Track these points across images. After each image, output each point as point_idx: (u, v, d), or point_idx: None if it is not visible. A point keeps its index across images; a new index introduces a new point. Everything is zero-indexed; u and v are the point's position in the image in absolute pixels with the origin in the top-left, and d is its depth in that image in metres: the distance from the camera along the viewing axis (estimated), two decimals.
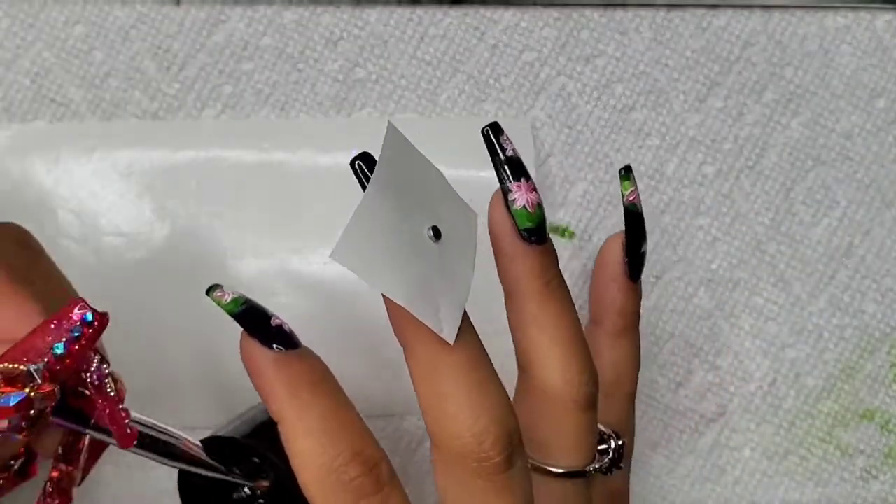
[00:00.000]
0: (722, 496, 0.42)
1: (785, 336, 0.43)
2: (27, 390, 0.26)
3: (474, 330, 0.27)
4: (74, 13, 0.39)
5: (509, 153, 0.29)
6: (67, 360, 0.27)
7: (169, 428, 0.30)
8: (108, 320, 0.28)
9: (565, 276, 0.42)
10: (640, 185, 0.42)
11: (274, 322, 0.27)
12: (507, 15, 0.42)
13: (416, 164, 0.27)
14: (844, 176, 0.43)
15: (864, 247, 0.43)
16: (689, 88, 0.43)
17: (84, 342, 0.27)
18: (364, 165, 0.26)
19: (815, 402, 0.43)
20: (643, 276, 0.42)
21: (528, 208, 0.29)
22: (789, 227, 0.43)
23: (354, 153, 0.26)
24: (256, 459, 0.33)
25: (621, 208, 0.42)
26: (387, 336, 0.39)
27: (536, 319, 0.30)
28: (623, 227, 0.35)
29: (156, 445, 0.30)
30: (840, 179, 0.43)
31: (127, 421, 0.29)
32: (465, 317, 0.27)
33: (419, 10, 0.41)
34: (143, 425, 0.29)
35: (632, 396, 0.35)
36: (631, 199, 0.34)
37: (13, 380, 0.27)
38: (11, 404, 0.26)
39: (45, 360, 0.27)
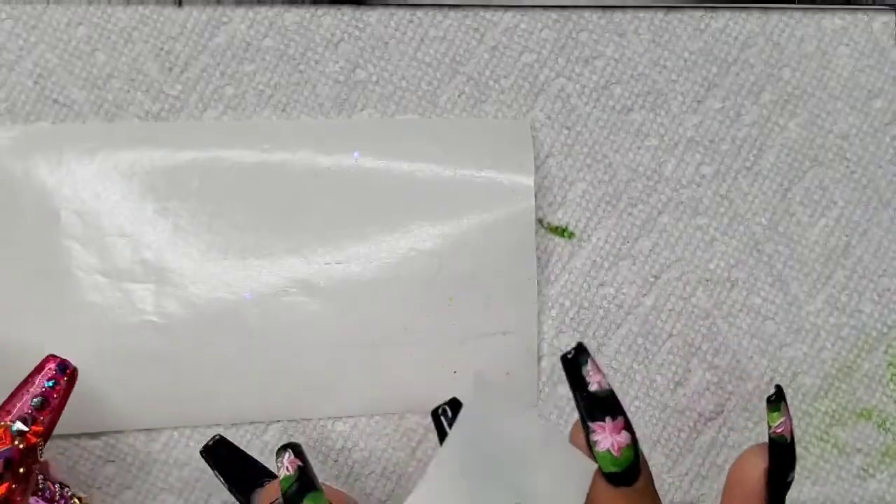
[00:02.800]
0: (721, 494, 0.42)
1: (782, 335, 0.43)
2: (15, 443, 0.29)
3: None
4: (77, 15, 0.40)
5: (594, 388, 0.25)
6: (47, 412, 0.30)
7: None
8: (77, 373, 0.32)
9: (565, 275, 0.42)
10: (638, 186, 0.42)
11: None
12: (507, 17, 0.42)
13: (510, 422, 0.24)
14: (841, 176, 0.44)
15: (861, 247, 0.43)
16: (687, 90, 0.43)
17: (60, 390, 0.31)
18: (450, 413, 0.23)
19: (813, 400, 0.43)
20: (643, 276, 0.42)
21: (613, 452, 0.25)
22: (787, 228, 0.43)
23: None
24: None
25: (620, 207, 0.42)
26: (386, 335, 0.40)
27: None
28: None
29: None
30: (837, 180, 0.44)
31: None
32: None
33: (419, 12, 0.42)
34: None
35: None
36: (779, 431, 0.29)
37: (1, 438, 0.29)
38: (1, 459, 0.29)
39: (30, 412, 0.30)
